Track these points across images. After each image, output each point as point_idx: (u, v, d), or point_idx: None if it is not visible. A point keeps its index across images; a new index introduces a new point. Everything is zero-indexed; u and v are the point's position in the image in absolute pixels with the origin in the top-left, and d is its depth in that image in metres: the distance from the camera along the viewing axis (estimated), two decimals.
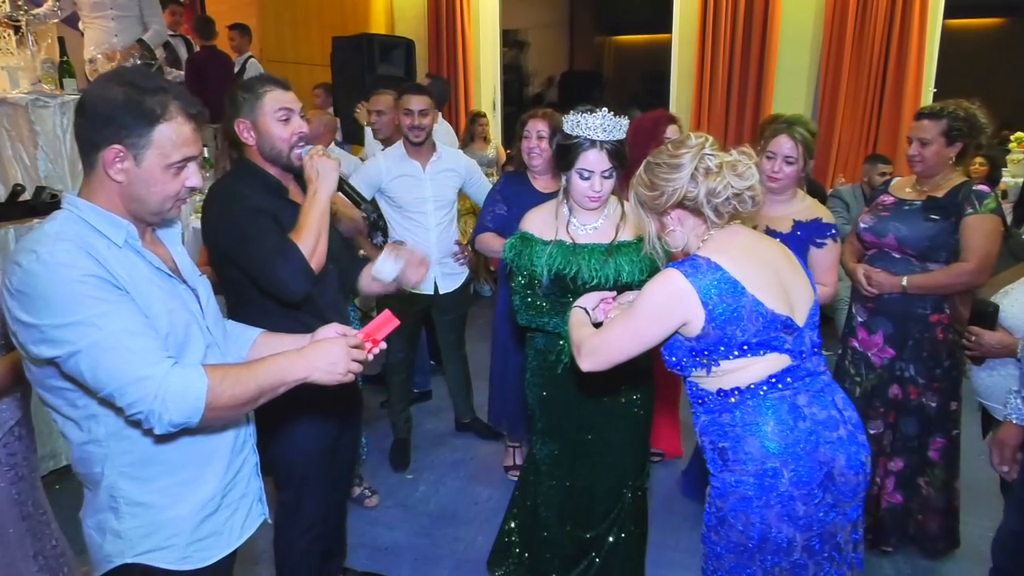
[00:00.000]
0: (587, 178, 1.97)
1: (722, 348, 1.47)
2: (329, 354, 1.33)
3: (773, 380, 1.49)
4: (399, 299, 3.21)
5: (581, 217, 2.08)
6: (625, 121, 1.97)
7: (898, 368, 2.54)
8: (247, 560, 2.58)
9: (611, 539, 2.18)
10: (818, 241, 2.41)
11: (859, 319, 2.62)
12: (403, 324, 3.34)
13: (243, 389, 1.24)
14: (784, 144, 2.42)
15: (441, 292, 3.28)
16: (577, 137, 1.94)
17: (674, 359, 1.55)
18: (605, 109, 1.94)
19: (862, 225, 2.60)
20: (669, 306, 1.47)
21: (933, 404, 2.52)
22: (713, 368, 1.50)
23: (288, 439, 2.01)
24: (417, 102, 3.07)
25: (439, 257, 3.22)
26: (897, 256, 2.49)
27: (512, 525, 2.41)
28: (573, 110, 1.97)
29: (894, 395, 2.56)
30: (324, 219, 1.84)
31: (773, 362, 1.49)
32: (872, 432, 2.60)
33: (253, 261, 1.78)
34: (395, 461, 3.42)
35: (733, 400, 1.50)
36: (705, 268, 1.45)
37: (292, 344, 1.50)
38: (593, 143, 1.93)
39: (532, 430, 2.28)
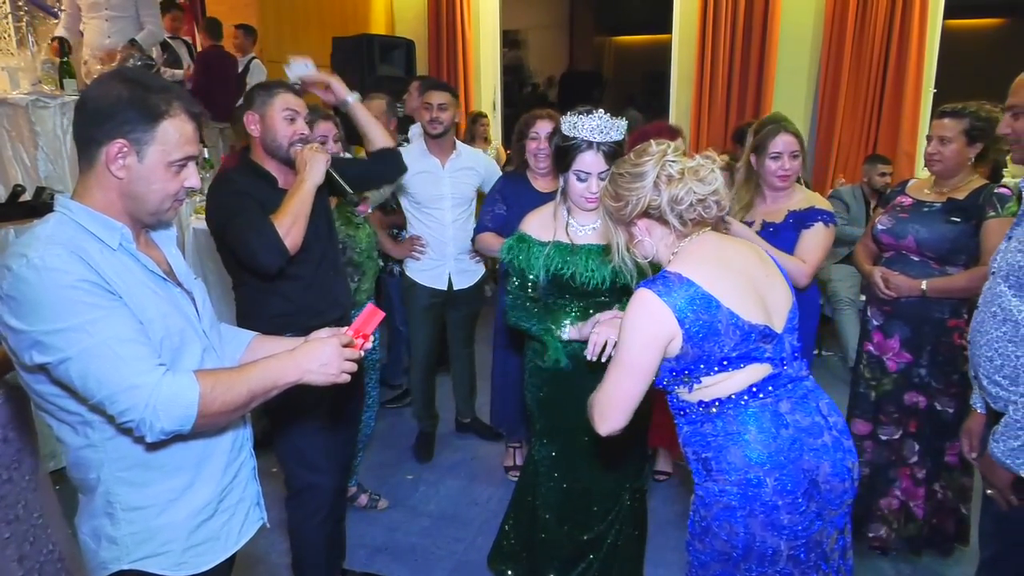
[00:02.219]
0: (584, 179, 1.97)
1: (702, 366, 1.45)
2: (321, 355, 1.32)
3: (754, 390, 1.46)
4: (418, 296, 3.25)
5: (580, 218, 2.08)
6: (623, 123, 1.97)
7: (915, 374, 2.51)
8: (245, 566, 2.58)
9: (610, 540, 2.18)
10: (807, 223, 2.43)
11: (875, 322, 2.59)
12: (425, 320, 3.41)
13: (234, 395, 1.24)
14: (786, 140, 2.47)
15: (456, 288, 3.31)
16: (574, 139, 1.95)
17: (655, 379, 1.52)
18: (601, 111, 1.94)
19: (879, 226, 2.57)
20: (651, 330, 1.43)
21: (951, 410, 2.49)
22: (695, 385, 1.48)
23: (286, 422, 2.14)
24: (438, 96, 3.16)
25: (455, 253, 3.28)
26: (916, 259, 2.47)
27: (512, 526, 2.41)
28: (571, 111, 1.98)
29: (912, 402, 2.53)
30: (304, 205, 2.01)
31: (754, 372, 1.47)
32: (884, 438, 2.59)
33: (234, 235, 1.98)
34: (419, 454, 3.47)
35: (714, 411, 1.48)
36: (677, 285, 1.41)
37: (285, 347, 1.49)
38: (590, 144, 1.94)
39: (531, 431, 2.28)
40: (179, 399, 1.16)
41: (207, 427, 1.25)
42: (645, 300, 1.42)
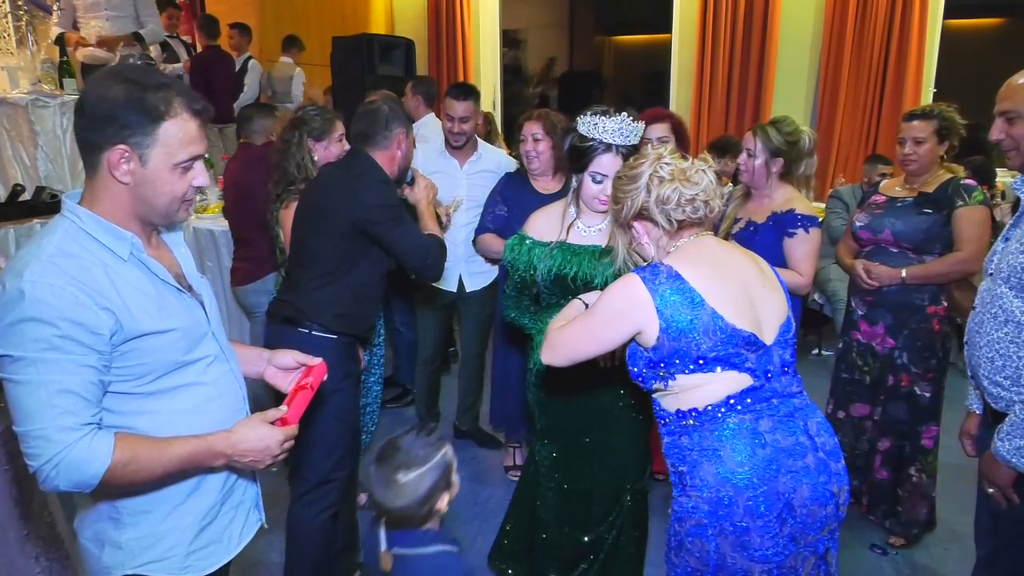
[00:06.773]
0: (600, 181, 1.95)
1: (677, 361, 1.43)
2: (261, 441, 1.29)
3: (732, 401, 1.43)
4: (426, 298, 3.22)
5: (587, 219, 2.07)
6: (642, 126, 1.95)
7: (896, 357, 2.63)
8: (244, 566, 2.57)
9: (610, 541, 2.17)
10: (789, 231, 2.48)
11: (859, 312, 2.72)
12: (432, 320, 3.37)
13: (146, 474, 1.20)
14: (747, 139, 2.60)
15: (468, 290, 3.25)
16: (592, 140, 1.93)
17: (635, 369, 1.51)
18: (624, 114, 1.92)
19: (857, 224, 2.70)
20: (625, 311, 1.45)
21: (928, 394, 2.61)
22: (670, 382, 1.46)
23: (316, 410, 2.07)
24: (461, 108, 3.06)
25: (466, 256, 3.19)
26: (894, 250, 2.60)
27: (512, 526, 2.41)
28: (590, 111, 1.96)
29: (890, 382, 2.67)
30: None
31: (732, 382, 1.44)
32: (876, 419, 2.73)
33: (404, 241, 2.13)
34: None
35: (691, 423, 1.46)
36: (665, 277, 1.42)
37: (249, 358, 1.49)
38: (608, 147, 1.92)
39: (532, 431, 2.28)
40: (85, 467, 1.13)
41: (109, 490, 1.22)
42: (631, 283, 1.45)
